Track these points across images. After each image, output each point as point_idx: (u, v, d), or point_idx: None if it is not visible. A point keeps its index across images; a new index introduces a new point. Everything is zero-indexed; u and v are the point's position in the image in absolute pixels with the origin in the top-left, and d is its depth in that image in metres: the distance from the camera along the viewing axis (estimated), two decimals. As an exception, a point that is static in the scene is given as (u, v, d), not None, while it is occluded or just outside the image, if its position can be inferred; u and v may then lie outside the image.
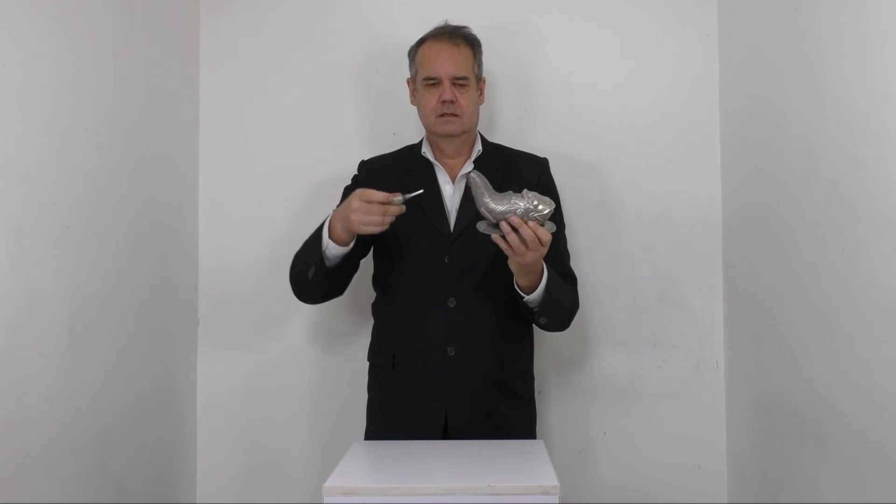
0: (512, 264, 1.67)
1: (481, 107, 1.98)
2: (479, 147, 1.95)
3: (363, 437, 1.96)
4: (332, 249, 1.75)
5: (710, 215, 2.29)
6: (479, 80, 1.95)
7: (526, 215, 1.59)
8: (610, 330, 2.29)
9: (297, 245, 2.28)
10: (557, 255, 1.84)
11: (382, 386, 1.94)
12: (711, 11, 2.30)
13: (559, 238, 1.90)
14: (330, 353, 2.30)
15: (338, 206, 1.81)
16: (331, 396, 2.29)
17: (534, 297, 1.73)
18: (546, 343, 2.16)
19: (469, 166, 1.91)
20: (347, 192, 1.98)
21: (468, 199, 1.88)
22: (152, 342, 2.07)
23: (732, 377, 2.24)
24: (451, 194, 1.91)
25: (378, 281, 1.97)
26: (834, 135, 1.65)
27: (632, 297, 2.29)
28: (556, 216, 1.92)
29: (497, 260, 1.73)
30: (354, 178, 1.99)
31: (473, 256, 1.84)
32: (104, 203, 1.83)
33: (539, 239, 1.60)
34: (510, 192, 1.62)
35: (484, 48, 1.99)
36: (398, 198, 1.66)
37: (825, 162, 1.69)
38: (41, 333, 1.59)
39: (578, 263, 1.98)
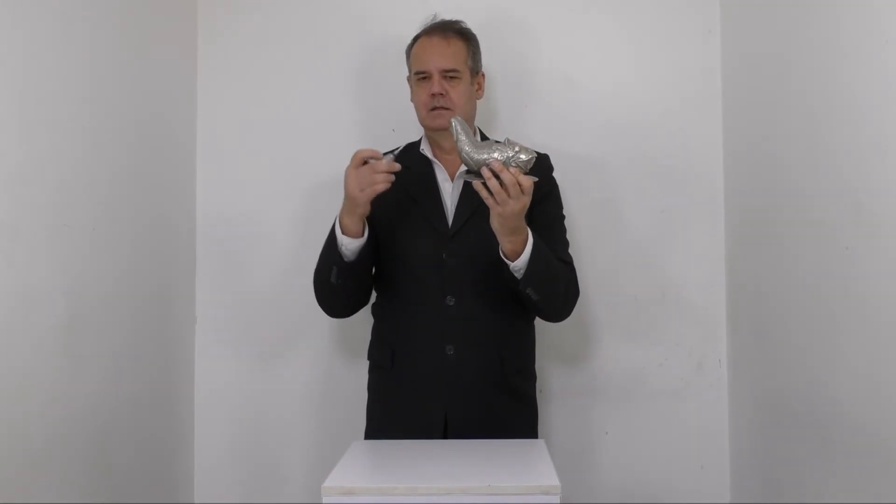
0: (494, 220, 1.63)
1: (481, 102, 1.97)
2: None
3: (363, 436, 1.95)
4: (349, 244, 1.76)
5: (712, 212, 2.27)
6: (477, 74, 1.94)
7: (507, 163, 1.58)
8: (612, 328, 2.28)
9: (295, 242, 2.29)
10: (554, 241, 1.81)
11: (382, 386, 1.93)
12: (714, 8, 2.28)
13: (557, 225, 1.88)
14: (330, 352, 2.28)
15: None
16: (331, 396, 2.28)
17: (519, 263, 1.68)
18: (547, 341, 2.14)
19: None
20: None
21: (467, 196, 1.86)
22: (150, 340, 2.06)
23: (735, 376, 2.23)
24: (450, 192, 1.90)
25: (378, 280, 1.95)
26: (838, 132, 1.64)
27: (634, 295, 2.28)
28: (555, 204, 1.91)
29: (496, 257, 1.71)
30: None
31: (472, 254, 1.82)
32: (101, 201, 1.81)
33: (520, 185, 1.58)
34: (491, 140, 1.63)
35: (484, 44, 1.97)
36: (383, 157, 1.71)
37: (829, 159, 1.67)
38: (38, 331, 1.58)
39: (580, 261, 1.97)
